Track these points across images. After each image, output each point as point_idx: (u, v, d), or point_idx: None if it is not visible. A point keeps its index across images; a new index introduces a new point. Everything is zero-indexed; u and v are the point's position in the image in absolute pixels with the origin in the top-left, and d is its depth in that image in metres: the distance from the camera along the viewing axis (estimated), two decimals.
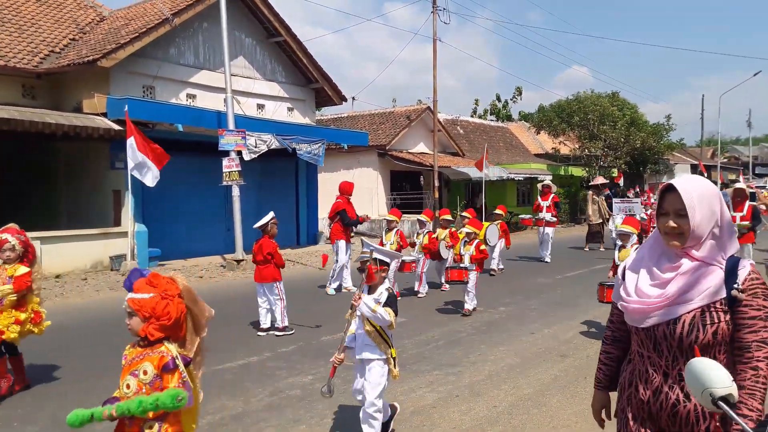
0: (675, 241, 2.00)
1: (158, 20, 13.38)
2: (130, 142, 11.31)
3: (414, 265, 9.59)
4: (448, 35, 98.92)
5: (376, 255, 4.02)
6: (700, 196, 1.96)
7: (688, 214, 1.94)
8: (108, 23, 15.20)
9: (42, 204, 14.45)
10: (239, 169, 13.06)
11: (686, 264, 1.97)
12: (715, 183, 34.16)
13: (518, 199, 27.86)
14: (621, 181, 27.09)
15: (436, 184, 21.52)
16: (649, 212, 19.05)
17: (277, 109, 17.04)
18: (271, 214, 7.31)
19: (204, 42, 15.01)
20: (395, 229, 9.59)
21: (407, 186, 23.79)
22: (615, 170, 28.64)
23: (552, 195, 14.31)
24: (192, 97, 14.78)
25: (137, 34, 12.81)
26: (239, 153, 13.22)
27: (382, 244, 9.19)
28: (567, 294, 9.99)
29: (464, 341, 7.01)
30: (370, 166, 22.59)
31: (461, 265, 8.45)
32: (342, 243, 10.30)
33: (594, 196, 17.28)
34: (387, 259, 4.09)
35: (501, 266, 12.57)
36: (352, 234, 10.71)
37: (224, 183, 13.10)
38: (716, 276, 1.94)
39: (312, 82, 17.80)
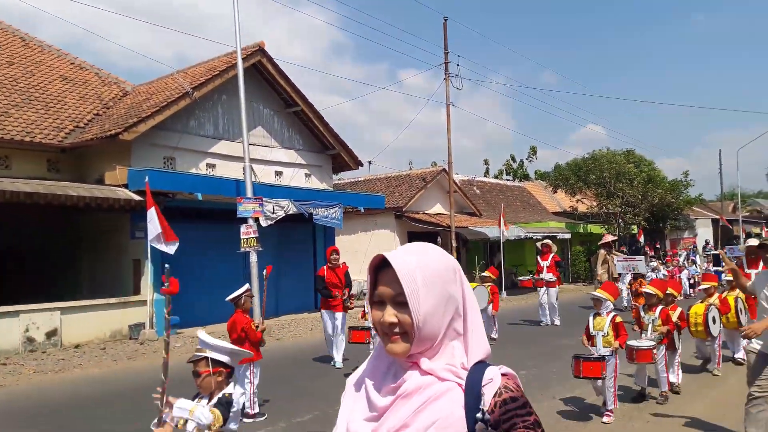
0: (395, 344, 1.26)
1: (179, 94, 13.89)
2: (151, 212, 11.52)
3: (368, 336, 8.46)
4: (461, 99, 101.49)
5: (210, 354, 3.16)
6: (428, 274, 1.25)
7: (409, 302, 1.23)
8: (131, 98, 15.82)
9: (65, 274, 14.64)
10: (257, 235, 13.17)
11: (411, 381, 1.26)
12: (737, 238, 33.58)
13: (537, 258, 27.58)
14: (642, 238, 26.76)
15: (454, 244, 21.46)
16: (669, 269, 18.67)
17: (295, 175, 17.34)
18: (246, 286, 6.75)
19: (223, 114, 15.50)
20: None
21: None
22: (635, 227, 28.36)
23: (552, 254, 13.94)
24: (212, 166, 15.13)
25: (158, 108, 13.28)
26: (257, 219, 13.38)
27: (363, 314, 8.62)
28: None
29: None
30: (387, 228, 22.67)
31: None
32: (324, 314, 9.46)
33: (606, 255, 16.70)
34: (226, 359, 3.19)
35: (494, 336, 11.34)
36: (349, 302, 9.55)
37: (242, 249, 13.20)
38: (451, 399, 1.23)
39: (329, 149, 18.17)
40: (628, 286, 15.43)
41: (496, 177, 42.91)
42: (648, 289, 7.17)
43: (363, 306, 9.00)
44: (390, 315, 1.26)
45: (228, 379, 3.18)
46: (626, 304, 15.86)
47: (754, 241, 8.90)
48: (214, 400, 3.07)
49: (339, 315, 9.35)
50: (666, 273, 18.78)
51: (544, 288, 13.63)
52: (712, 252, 24.77)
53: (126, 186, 12.61)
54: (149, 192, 11.61)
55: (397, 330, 1.26)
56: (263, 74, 16.21)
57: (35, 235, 14.73)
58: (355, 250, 21.61)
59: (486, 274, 11.80)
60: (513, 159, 48.11)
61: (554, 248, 14.30)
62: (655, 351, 6.56)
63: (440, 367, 1.26)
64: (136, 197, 12.34)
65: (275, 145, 16.86)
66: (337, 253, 9.72)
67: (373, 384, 1.32)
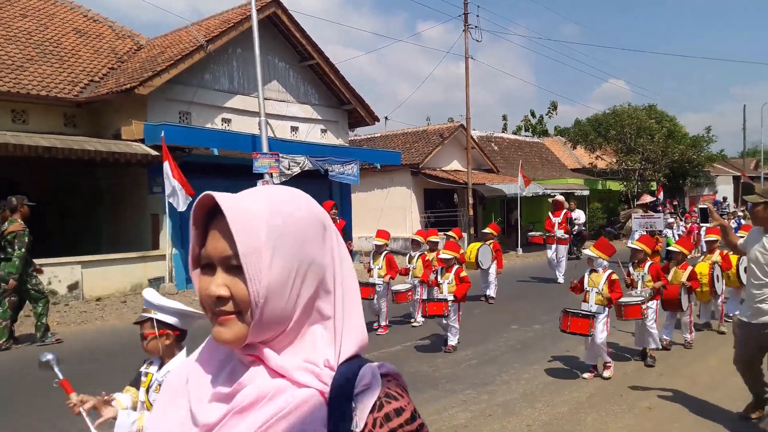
0: (224, 328, 0.87)
1: (193, 47, 13.73)
2: (165, 167, 11.56)
3: (410, 293, 8.40)
4: (480, 52, 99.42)
5: (155, 315, 2.78)
6: (278, 228, 0.87)
7: (245, 266, 0.85)
8: (145, 52, 15.68)
9: (85, 229, 14.87)
10: None
11: (250, 387, 0.87)
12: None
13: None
14: (661, 195, 26.42)
15: (470, 201, 21.36)
16: (687, 225, 18.25)
17: (311, 130, 17.22)
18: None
19: (238, 67, 15.33)
20: (384, 253, 8.53)
21: (441, 204, 23.67)
22: (654, 184, 27.96)
23: (564, 210, 13.40)
24: (227, 121, 15.07)
25: (173, 62, 13.16)
26: (273, 175, 13.37)
27: (368, 269, 8.54)
28: None
29: (498, 360, 6.85)
30: (403, 185, 22.58)
31: (439, 296, 7.37)
32: None
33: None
34: (173, 321, 2.79)
35: (493, 294, 10.96)
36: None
37: None
38: (310, 415, 0.85)
39: (345, 104, 17.97)
40: None
41: (514, 133, 42.32)
42: (635, 245, 6.99)
43: (368, 262, 8.81)
44: (218, 285, 0.86)
45: (180, 343, 2.83)
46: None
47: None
48: (165, 368, 2.75)
49: None
50: (684, 229, 18.47)
51: (555, 245, 13.29)
52: (727, 210, 24.13)
53: (142, 141, 12.63)
54: (165, 147, 11.61)
55: (227, 307, 0.86)
56: (278, 27, 15.93)
57: (54, 190, 14.91)
58: (370, 208, 21.63)
59: (487, 230, 11.37)
60: (533, 114, 47.30)
61: (566, 204, 13.82)
62: (644, 307, 6.38)
63: (294, 365, 0.87)
64: (153, 152, 12.37)
65: (291, 99, 16.70)
66: (336, 208, 9.38)
67: (201, 383, 0.92)
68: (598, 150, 29.40)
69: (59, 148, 11.36)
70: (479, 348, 7.44)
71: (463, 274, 7.41)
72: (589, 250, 6.38)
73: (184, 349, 2.85)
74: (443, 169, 23.67)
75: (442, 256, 7.54)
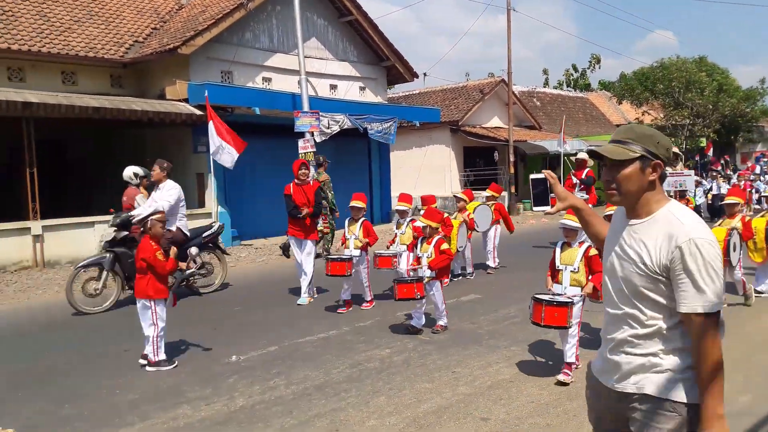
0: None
1: (233, 5, 13.74)
2: (210, 126, 11.74)
3: (395, 260, 7.16)
4: (522, 3, 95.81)
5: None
6: None
7: None
8: (186, 11, 15.75)
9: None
10: (314, 149, 13.28)
11: None
12: None
13: (599, 172, 26.82)
14: (710, 152, 25.57)
15: (512, 159, 21.10)
16: (742, 183, 17.13)
17: (350, 88, 17.16)
18: (158, 206, 5.59)
19: (278, 25, 15.29)
20: (360, 220, 7.45)
21: (481, 162, 23.46)
22: (703, 140, 27.06)
23: (587, 169, 11.95)
24: (268, 80, 15.13)
25: (214, 20, 13.21)
26: (313, 134, 13.44)
27: (343, 240, 7.53)
28: None
29: None
30: (442, 143, 22.43)
31: (414, 276, 6.28)
32: (291, 241, 8.03)
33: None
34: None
35: (495, 264, 9.99)
36: (320, 227, 8.60)
37: None
38: None
39: (383, 60, 17.79)
40: None
41: (555, 88, 41.23)
42: (731, 199, 6.31)
43: (344, 231, 7.59)
44: None
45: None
46: None
47: None
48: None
49: (308, 243, 7.86)
50: (718, 187, 17.53)
51: None
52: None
53: (186, 100, 12.82)
54: (209, 107, 11.78)
55: None
56: None
57: (99, 150, 15.33)
58: (410, 166, 21.59)
59: (488, 192, 10.22)
60: (575, 69, 45.95)
61: (590, 162, 12.27)
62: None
63: None
64: (197, 112, 12.56)
65: (330, 57, 16.62)
66: (307, 167, 8.20)
67: None
68: (644, 105, 28.53)
69: (108, 108, 11.65)
70: (523, 305, 7.49)
71: (444, 246, 6.26)
72: (566, 219, 5.02)
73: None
74: (483, 126, 23.37)
75: (417, 224, 6.59)
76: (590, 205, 11.69)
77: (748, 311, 7.09)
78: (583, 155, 12.31)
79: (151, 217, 5.45)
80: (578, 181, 11.72)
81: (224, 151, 11.90)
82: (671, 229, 1.88)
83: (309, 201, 7.80)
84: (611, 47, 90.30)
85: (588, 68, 45.38)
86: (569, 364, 4.85)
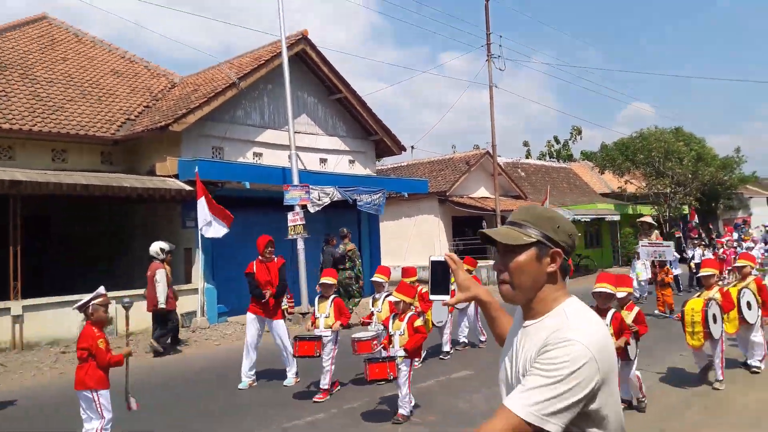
0: None
1: (225, 84, 14.07)
2: (201, 202, 11.77)
3: (374, 342, 6.55)
4: (503, 79, 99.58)
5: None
6: None
7: None
8: (179, 89, 16.11)
9: (119, 264, 15.12)
10: (303, 222, 13.31)
11: None
12: None
13: (586, 241, 27.11)
14: (695, 219, 25.93)
15: None
16: (718, 251, 16.92)
17: (339, 161, 17.41)
18: (100, 290, 5.09)
19: (269, 103, 15.64)
20: (332, 297, 7.03)
21: (470, 231, 23.58)
22: (686, 207, 27.51)
23: (655, 233, 12.14)
24: (258, 155, 15.33)
25: (206, 99, 13.49)
26: (304, 207, 13.51)
27: (312, 319, 7.06)
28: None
29: None
30: (431, 213, 22.60)
31: (386, 354, 5.97)
32: (249, 318, 7.69)
33: (641, 237, 14.66)
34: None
35: (484, 336, 9.70)
36: (284, 305, 8.15)
37: (290, 237, 13.37)
38: None
39: (372, 134, 18.16)
40: (652, 276, 13.26)
41: (539, 159, 42.16)
42: (598, 287, 5.48)
43: (312, 312, 7.25)
44: None
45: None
46: (642, 294, 14.24)
47: None
48: None
49: (277, 323, 7.61)
50: (701, 254, 17.20)
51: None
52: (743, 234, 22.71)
53: (176, 176, 12.88)
54: (200, 182, 11.84)
55: None
56: (307, 62, 16.25)
57: (87, 225, 15.24)
58: (399, 236, 21.65)
59: (466, 267, 10.03)
60: (557, 140, 47.19)
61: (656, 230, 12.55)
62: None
63: None
64: (187, 187, 12.60)
65: (319, 132, 16.95)
66: (272, 245, 7.83)
67: None
68: (626, 174, 29.14)
69: (96, 186, 11.64)
70: None
71: (418, 322, 5.95)
72: (599, 285, 5.14)
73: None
74: (470, 196, 23.65)
75: (391, 298, 6.31)
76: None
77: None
78: (648, 219, 12.40)
79: (93, 302, 5.00)
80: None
81: (212, 226, 11.90)
82: (554, 329, 1.59)
83: (272, 280, 7.56)
84: (591, 119, 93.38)
85: (570, 139, 46.64)
86: None
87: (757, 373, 7.26)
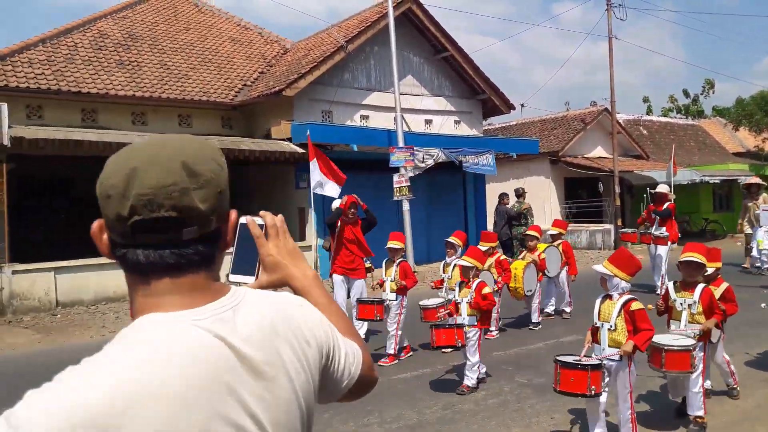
0: None
1: (334, 48, 14.35)
2: (313, 164, 12.21)
3: (442, 310, 6.40)
4: (623, 31, 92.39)
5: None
6: None
7: None
8: (291, 55, 16.65)
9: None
10: (409, 184, 13.44)
11: None
12: None
13: (715, 204, 25.08)
14: None
15: (617, 190, 20.20)
16: None
17: (445, 122, 17.28)
18: None
19: (375, 65, 15.77)
20: (398, 261, 6.92)
21: (584, 193, 22.63)
22: None
23: (667, 203, 10.43)
24: (365, 118, 15.58)
25: (315, 64, 13.85)
26: (407, 168, 13.62)
27: (380, 282, 7.01)
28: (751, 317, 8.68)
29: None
30: (541, 174, 21.90)
31: (453, 321, 5.72)
32: (336, 279, 7.49)
33: (746, 202, 13.04)
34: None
35: (567, 309, 9.06)
36: (368, 264, 7.78)
37: (395, 198, 13.57)
38: None
39: (479, 93, 17.79)
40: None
41: (663, 115, 39.20)
42: (686, 256, 4.70)
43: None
44: None
45: None
46: (763, 266, 12.14)
47: None
48: None
49: (358, 283, 7.40)
50: None
51: (652, 245, 10.42)
52: None
53: (290, 139, 13.45)
54: (311, 145, 12.28)
55: None
56: (413, 22, 16.12)
57: None
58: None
59: (554, 230, 9.26)
60: (686, 94, 43.46)
61: (672, 196, 11.03)
62: (694, 353, 4.34)
63: None
64: (300, 150, 13.14)
65: (425, 93, 16.86)
66: (355, 207, 7.66)
67: None
68: (765, 131, 26.44)
69: (222, 149, 12.42)
70: None
71: (487, 290, 5.67)
72: (601, 266, 4.29)
73: None
74: (586, 156, 22.61)
75: (461, 262, 5.99)
76: (670, 243, 10.23)
77: None
78: (663, 188, 10.96)
79: None
80: (656, 215, 10.41)
81: (326, 185, 12.30)
82: None
83: (357, 239, 7.40)
84: (725, 72, 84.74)
85: (702, 93, 42.84)
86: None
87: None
